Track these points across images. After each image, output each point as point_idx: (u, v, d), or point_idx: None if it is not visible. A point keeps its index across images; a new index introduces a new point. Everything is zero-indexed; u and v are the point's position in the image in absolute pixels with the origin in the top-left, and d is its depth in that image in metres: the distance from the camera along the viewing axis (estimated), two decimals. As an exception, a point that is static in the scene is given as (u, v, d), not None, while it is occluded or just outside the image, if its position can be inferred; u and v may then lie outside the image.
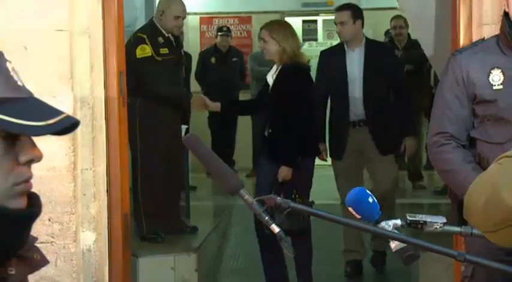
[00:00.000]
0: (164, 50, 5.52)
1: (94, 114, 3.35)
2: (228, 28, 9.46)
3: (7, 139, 1.18)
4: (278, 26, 5.06)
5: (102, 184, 3.47)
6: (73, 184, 3.27)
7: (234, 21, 10.95)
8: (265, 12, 10.77)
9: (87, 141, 3.31)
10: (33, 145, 1.22)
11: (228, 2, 10.77)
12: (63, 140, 3.12)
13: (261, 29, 5.16)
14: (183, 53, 6.02)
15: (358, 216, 1.88)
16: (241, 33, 10.90)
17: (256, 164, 5.20)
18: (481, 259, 1.65)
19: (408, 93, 5.64)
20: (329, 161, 5.65)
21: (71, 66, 3.25)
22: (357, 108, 5.35)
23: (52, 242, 3.16)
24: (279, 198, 1.60)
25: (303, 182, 4.80)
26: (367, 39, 5.53)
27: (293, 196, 4.51)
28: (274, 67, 4.94)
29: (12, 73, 1.21)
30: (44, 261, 1.30)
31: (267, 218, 1.57)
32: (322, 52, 5.84)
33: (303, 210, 1.84)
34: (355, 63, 5.40)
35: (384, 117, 5.36)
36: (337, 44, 5.81)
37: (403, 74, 5.76)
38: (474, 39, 3.28)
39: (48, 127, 1.17)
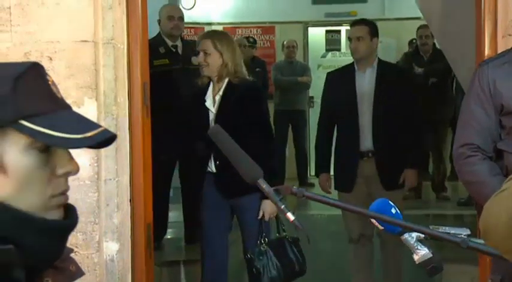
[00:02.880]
0: (162, 61, 5.53)
1: (118, 125, 3.36)
2: (254, 39, 9.48)
3: (45, 151, 1.19)
4: (222, 36, 4.37)
5: (126, 194, 3.48)
6: (97, 194, 3.28)
7: (257, 31, 10.97)
8: (288, 22, 10.80)
9: (111, 152, 3.32)
10: (70, 158, 1.24)
11: (251, 12, 10.80)
12: (87, 151, 3.13)
13: (200, 39, 4.41)
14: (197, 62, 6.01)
15: (381, 227, 1.87)
16: (264, 43, 10.92)
17: (204, 207, 4.37)
18: (483, 246, 1.62)
19: (419, 123, 5.07)
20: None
21: (95, 76, 3.27)
22: (365, 137, 4.85)
23: (76, 252, 3.17)
24: (294, 187, 1.68)
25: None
26: (379, 60, 5.05)
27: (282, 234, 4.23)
28: (211, 87, 4.28)
29: (51, 86, 1.23)
30: (79, 273, 1.31)
31: (283, 206, 1.65)
32: (328, 73, 5.31)
33: (317, 199, 1.90)
34: (365, 85, 4.92)
35: (392, 148, 4.83)
36: (346, 65, 5.23)
37: (417, 100, 5.14)
38: (499, 50, 3.25)
39: (86, 140, 1.19)
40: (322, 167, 5.12)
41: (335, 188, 5.05)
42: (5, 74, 1.18)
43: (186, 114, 4.50)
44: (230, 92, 4.18)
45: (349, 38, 5.10)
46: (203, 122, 4.22)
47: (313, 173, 9.66)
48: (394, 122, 4.81)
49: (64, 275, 1.28)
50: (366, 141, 4.83)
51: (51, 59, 3.15)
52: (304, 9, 10.77)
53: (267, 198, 3.77)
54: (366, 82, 4.91)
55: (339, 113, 4.97)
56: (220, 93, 4.21)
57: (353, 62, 5.05)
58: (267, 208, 4.12)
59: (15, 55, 3.14)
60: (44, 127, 1.16)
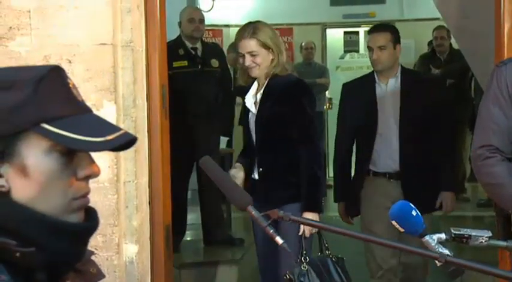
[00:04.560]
0: (181, 63, 5.54)
1: (137, 127, 3.37)
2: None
3: (66, 154, 1.20)
4: (263, 29, 3.85)
5: (144, 196, 3.49)
6: (116, 196, 3.29)
7: (275, 33, 10.95)
8: (306, 24, 10.79)
9: (130, 154, 3.33)
10: (91, 161, 1.25)
11: (269, 13, 10.79)
12: (106, 153, 3.13)
13: (240, 39, 3.86)
14: (217, 65, 6.00)
15: (402, 230, 1.87)
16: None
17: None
18: (462, 260, 1.59)
19: (453, 140, 4.54)
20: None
21: (114, 79, 3.28)
22: (390, 157, 4.32)
23: (95, 254, 3.17)
24: (281, 211, 1.73)
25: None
26: (402, 68, 4.48)
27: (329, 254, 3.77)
28: (255, 86, 3.91)
29: (72, 89, 1.23)
30: (100, 275, 1.32)
31: (271, 231, 1.69)
32: (345, 85, 4.65)
33: (304, 223, 1.96)
34: (388, 99, 4.36)
35: (421, 169, 4.29)
36: (365, 75, 4.64)
37: (452, 112, 4.58)
38: (519, 50, 3.23)
39: (107, 143, 1.20)
40: (340, 195, 4.58)
41: (347, 214, 4.55)
42: (26, 78, 1.19)
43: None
44: (272, 88, 3.81)
45: (368, 47, 4.48)
46: (249, 128, 3.92)
47: (331, 174, 9.68)
48: (423, 140, 4.29)
49: (85, 277, 1.29)
50: (391, 162, 4.31)
51: (70, 62, 3.16)
52: (322, 10, 10.75)
53: (309, 210, 3.68)
54: (388, 95, 4.36)
55: (357, 131, 4.46)
56: (261, 91, 3.85)
57: (372, 72, 4.49)
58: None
59: (35, 58, 3.15)
60: (65, 130, 1.17)
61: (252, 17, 10.84)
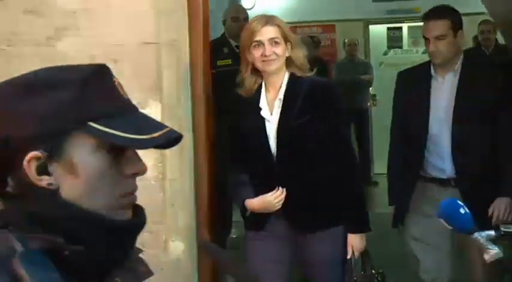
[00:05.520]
0: (226, 62, 5.53)
1: (181, 126, 3.39)
2: (319, 39, 9.46)
3: (113, 152, 1.21)
4: (282, 20, 3.41)
5: (190, 194, 3.50)
6: (162, 194, 3.31)
7: (317, 30, 10.93)
8: (349, 20, 10.72)
9: (175, 152, 3.34)
10: (138, 158, 1.26)
11: (311, 10, 10.76)
12: (152, 151, 3.13)
13: (257, 26, 3.32)
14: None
15: (450, 228, 1.85)
16: (324, 42, 10.87)
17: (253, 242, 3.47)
18: None
19: None
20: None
21: (158, 78, 3.30)
22: (444, 161, 3.81)
23: (143, 251, 3.19)
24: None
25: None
26: (465, 57, 3.85)
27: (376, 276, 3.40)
28: (264, 90, 3.39)
29: (118, 87, 1.24)
30: (148, 273, 1.33)
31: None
32: (400, 73, 4.13)
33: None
34: (444, 96, 3.81)
35: (481, 175, 3.73)
36: (421, 65, 4.09)
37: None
38: None
39: (153, 140, 1.20)
40: (395, 197, 4.07)
41: (394, 223, 4.06)
42: (73, 77, 1.20)
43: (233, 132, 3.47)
44: (297, 92, 3.32)
45: (424, 37, 3.85)
46: (260, 138, 3.34)
47: (376, 170, 9.63)
48: (481, 142, 3.76)
49: (134, 275, 1.29)
50: (446, 167, 3.81)
51: (115, 61, 3.19)
52: (365, 6, 10.67)
53: (357, 231, 3.28)
54: (445, 90, 3.82)
55: (408, 127, 3.95)
56: (281, 96, 3.33)
57: (429, 62, 3.91)
58: (358, 243, 3.37)
59: (82, 59, 3.18)
60: (111, 128, 1.18)
61: (294, 14, 10.87)
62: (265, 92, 3.38)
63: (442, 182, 3.82)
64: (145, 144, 1.20)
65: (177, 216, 3.40)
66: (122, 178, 1.23)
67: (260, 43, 3.27)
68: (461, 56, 3.84)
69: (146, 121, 1.26)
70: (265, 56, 3.26)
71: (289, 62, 3.34)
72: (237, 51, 5.82)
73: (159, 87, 3.29)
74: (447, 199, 1.90)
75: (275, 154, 3.30)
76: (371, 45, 11.01)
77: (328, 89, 3.40)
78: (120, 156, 1.22)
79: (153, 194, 3.28)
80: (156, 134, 1.21)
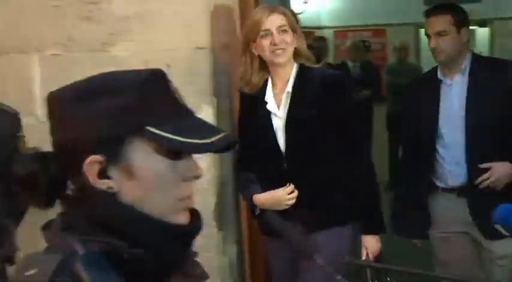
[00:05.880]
0: None
1: (234, 130, 3.39)
2: (370, 43, 9.42)
3: (171, 156, 1.22)
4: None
5: (243, 198, 3.51)
6: (215, 197, 3.33)
7: (368, 34, 10.88)
8: (400, 24, 10.65)
9: (228, 156, 3.35)
10: (195, 162, 1.26)
11: (361, 15, 10.72)
12: (205, 154, 3.13)
13: (261, 16, 3.11)
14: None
15: (506, 233, 1.82)
16: (375, 46, 10.82)
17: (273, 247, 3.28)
18: None
19: None
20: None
21: (211, 82, 3.31)
22: (454, 168, 3.58)
23: (198, 254, 3.20)
24: (348, 257, 1.81)
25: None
26: (474, 58, 3.61)
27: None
28: (270, 84, 3.21)
29: (175, 92, 1.26)
30: (204, 276, 1.33)
31: (339, 277, 1.69)
32: (404, 88, 3.94)
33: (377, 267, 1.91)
34: (453, 101, 3.57)
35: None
36: (429, 71, 3.83)
37: None
38: None
39: (210, 145, 1.21)
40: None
41: (398, 234, 3.77)
42: (131, 82, 1.22)
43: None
44: (307, 83, 3.13)
45: (426, 35, 3.67)
46: (268, 134, 3.15)
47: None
48: (494, 148, 3.49)
49: (190, 278, 1.30)
50: (454, 173, 3.58)
51: (169, 66, 3.21)
52: (416, 10, 10.55)
53: (371, 232, 3.06)
54: (454, 95, 3.58)
55: (416, 136, 3.70)
56: (289, 89, 3.13)
57: (437, 67, 3.71)
58: (373, 245, 3.21)
59: (135, 63, 3.21)
60: (169, 133, 1.18)
61: (344, 18, 10.85)
62: (272, 86, 3.20)
63: (456, 190, 3.58)
64: (203, 149, 1.20)
65: (230, 219, 3.41)
66: (180, 182, 1.24)
67: (268, 32, 3.07)
68: (469, 56, 3.61)
69: (203, 125, 1.26)
70: (275, 44, 3.06)
71: (296, 53, 3.15)
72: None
73: (212, 91, 3.31)
74: (502, 205, 1.85)
75: (284, 150, 3.11)
76: (422, 49, 10.90)
77: (340, 81, 3.17)
78: (177, 160, 1.23)
79: (207, 198, 3.29)
80: (213, 139, 1.21)
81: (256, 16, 3.12)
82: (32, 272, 1.13)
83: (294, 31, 3.12)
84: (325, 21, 10.87)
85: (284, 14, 3.10)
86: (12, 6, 3.41)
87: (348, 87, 3.31)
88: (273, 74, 3.18)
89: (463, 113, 3.50)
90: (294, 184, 3.08)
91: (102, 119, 1.18)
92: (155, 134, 1.18)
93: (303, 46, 3.16)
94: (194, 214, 1.29)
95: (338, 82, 3.14)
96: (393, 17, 10.57)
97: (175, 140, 1.18)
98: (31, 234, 1.75)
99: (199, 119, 1.28)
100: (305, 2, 10.53)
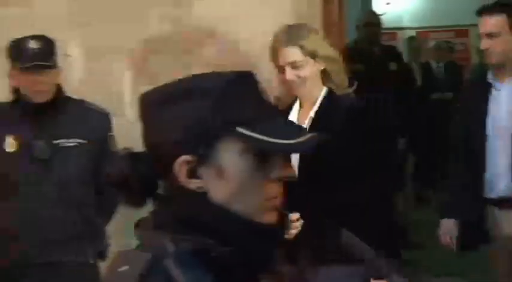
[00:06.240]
0: (358, 67, 5.52)
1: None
2: (453, 44, 9.27)
3: (260, 156, 1.23)
4: (304, 30, 3.03)
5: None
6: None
7: (450, 34, 10.70)
8: (484, 24, 10.41)
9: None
10: (285, 162, 1.27)
11: (443, 15, 10.55)
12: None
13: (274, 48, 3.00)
14: (395, 67, 5.95)
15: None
16: (457, 47, 10.63)
17: None
18: None
19: None
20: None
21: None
22: (501, 178, 3.33)
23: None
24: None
25: None
26: None
27: None
28: (296, 108, 3.06)
29: (262, 93, 1.28)
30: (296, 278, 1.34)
31: None
32: (462, 85, 3.64)
33: None
34: (502, 106, 3.35)
35: None
36: (480, 73, 3.72)
37: None
38: None
39: (299, 145, 1.22)
40: (449, 208, 3.59)
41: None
42: (218, 83, 1.24)
43: None
44: (330, 111, 2.94)
45: (480, 34, 3.45)
46: None
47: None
48: None
49: (279, 278, 1.31)
50: (503, 183, 3.34)
51: (254, 68, 3.23)
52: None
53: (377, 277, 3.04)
54: (503, 100, 3.36)
55: (465, 140, 3.46)
56: (312, 114, 2.95)
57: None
58: None
59: (223, 66, 3.25)
60: (257, 133, 1.20)
61: (426, 19, 10.69)
62: (299, 106, 3.05)
63: (497, 202, 3.37)
64: (292, 149, 1.22)
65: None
66: (268, 181, 1.25)
67: (281, 68, 2.96)
68: None
69: (290, 126, 1.28)
70: (288, 80, 2.95)
71: (325, 76, 2.98)
72: (370, 56, 5.79)
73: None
74: None
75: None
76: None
77: (359, 114, 2.97)
78: (267, 160, 1.24)
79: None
80: (301, 139, 1.22)
81: (273, 44, 2.99)
82: (124, 268, 1.16)
83: (315, 57, 2.94)
84: (407, 22, 10.75)
85: (300, 47, 2.91)
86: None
87: (366, 120, 3.03)
88: (300, 96, 3.05)
89: (509, 119, 3.31)
90: (300, 211, 2.71)
91: (191, 120, 1.20)
92: (244, 134, 1.20)
93: (334, 68, 2.98)
94: (281, 215, 1.30)
95: (358, 114, 2.95)
96: (476, 17, 10.36)
97: (265, 140, 1.19)
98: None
99: (286, 119, 1.29)
100: (388, 3, 10.44)
